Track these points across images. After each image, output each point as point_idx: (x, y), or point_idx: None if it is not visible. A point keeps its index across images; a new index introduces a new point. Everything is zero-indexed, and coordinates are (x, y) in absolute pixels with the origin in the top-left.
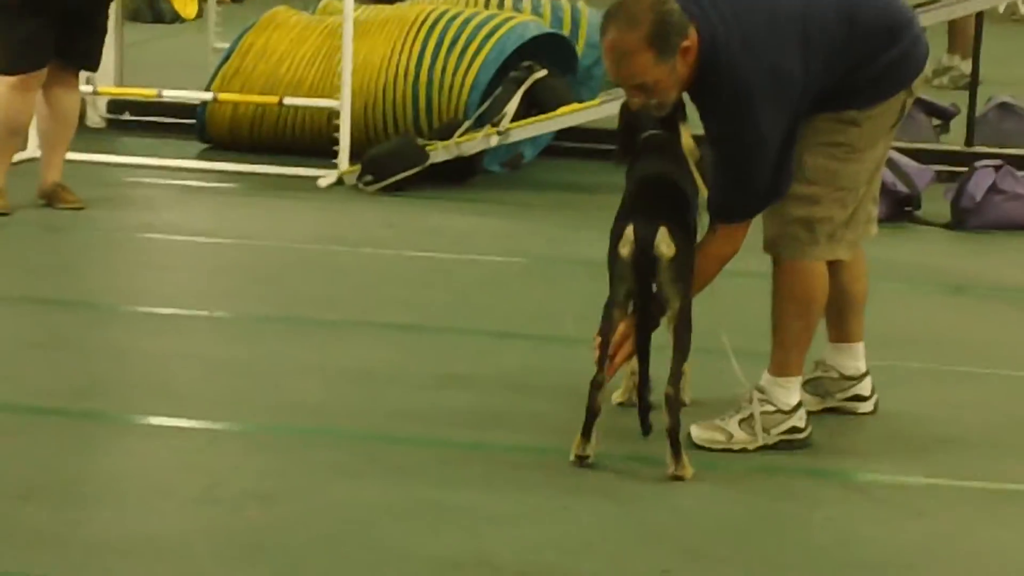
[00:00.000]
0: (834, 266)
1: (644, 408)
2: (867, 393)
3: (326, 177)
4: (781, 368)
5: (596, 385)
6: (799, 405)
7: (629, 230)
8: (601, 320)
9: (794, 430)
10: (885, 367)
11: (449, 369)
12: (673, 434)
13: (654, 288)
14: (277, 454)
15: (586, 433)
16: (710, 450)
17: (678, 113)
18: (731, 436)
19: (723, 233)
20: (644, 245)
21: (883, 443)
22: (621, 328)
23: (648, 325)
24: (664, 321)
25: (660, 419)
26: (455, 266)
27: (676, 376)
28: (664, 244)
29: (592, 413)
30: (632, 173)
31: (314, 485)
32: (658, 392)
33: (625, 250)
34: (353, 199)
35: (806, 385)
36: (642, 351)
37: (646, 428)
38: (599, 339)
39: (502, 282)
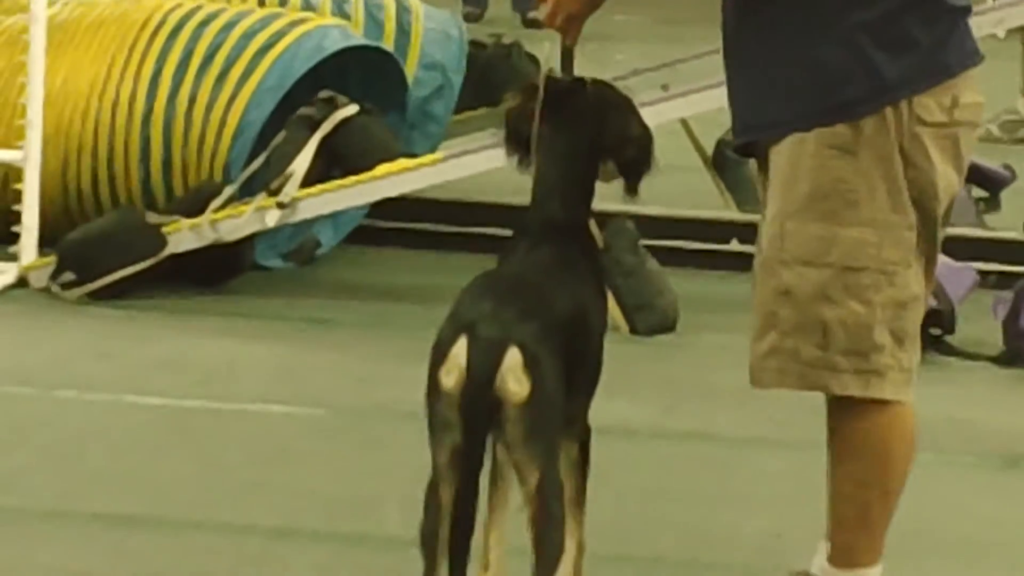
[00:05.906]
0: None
1: None
2: None
3: (0, 275)
4: (845, 554)
5: None
6: None
7: (458, 347)
8: (423, 511)
9: None
10: None
11: None
12: None
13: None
14: None
15: None
16: None
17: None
18: None
19: None
20: (480, 374)
21: None
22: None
23: (471, 505)
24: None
25: None
26: (207, 421)
27: None
28: (513, 376)
29: None
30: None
31: None
32: None
33: (450, 379)
34: (44, 311)
35: None
36: (456, 549)
37: None
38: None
39: (285, 447)
